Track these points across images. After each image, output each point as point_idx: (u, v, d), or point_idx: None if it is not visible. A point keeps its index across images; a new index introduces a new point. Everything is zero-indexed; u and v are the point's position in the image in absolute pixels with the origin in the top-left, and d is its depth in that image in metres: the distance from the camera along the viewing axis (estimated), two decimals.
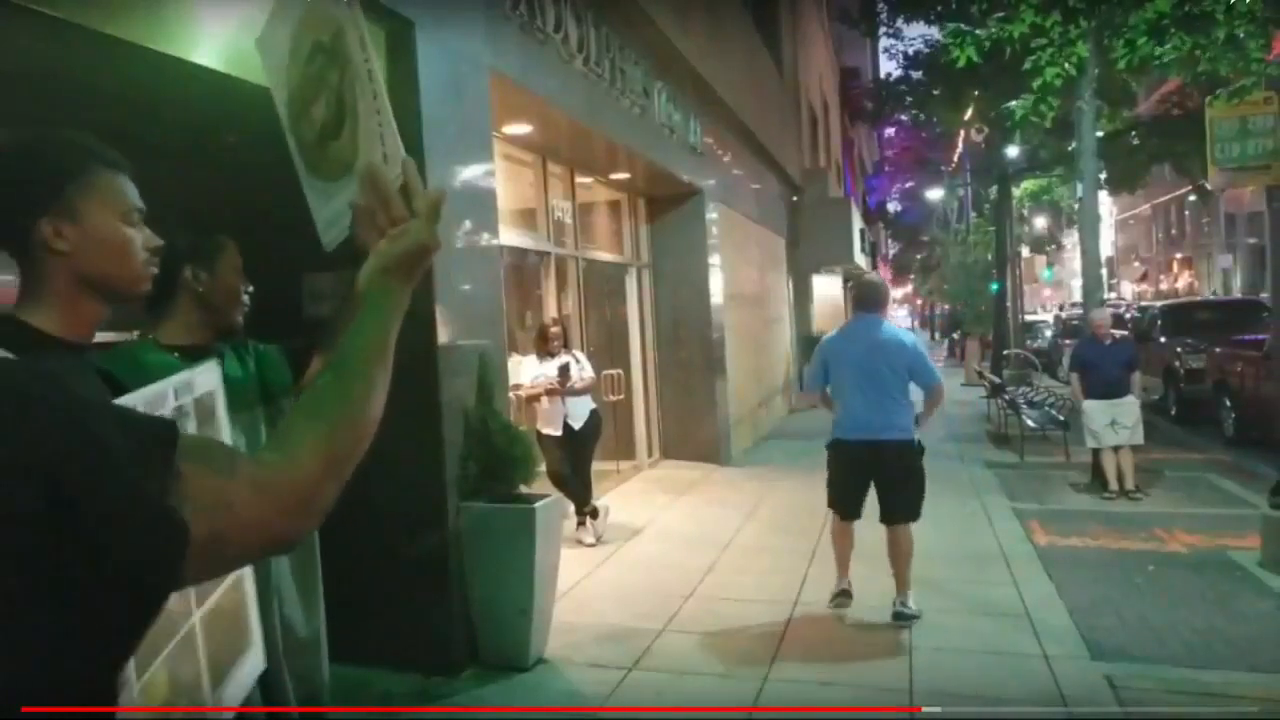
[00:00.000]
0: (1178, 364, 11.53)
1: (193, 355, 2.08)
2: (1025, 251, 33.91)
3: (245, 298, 2.34)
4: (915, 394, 4.67)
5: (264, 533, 0.77)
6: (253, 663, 1.60)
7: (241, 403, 2.18)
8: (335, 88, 1.11)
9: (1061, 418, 9.46)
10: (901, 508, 4.53)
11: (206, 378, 1.55)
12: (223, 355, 2.21)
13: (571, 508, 6.10)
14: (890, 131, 36.19)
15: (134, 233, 1.31)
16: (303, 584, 2.43)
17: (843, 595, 4.73)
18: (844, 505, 4.73)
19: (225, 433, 1.58)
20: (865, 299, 4.78)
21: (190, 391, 1.44)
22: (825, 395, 4.81)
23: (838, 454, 4.71)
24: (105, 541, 0.61)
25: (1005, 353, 17.33)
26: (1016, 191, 23.75)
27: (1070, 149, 12.76)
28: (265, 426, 2.31)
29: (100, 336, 1.45)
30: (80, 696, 0.62)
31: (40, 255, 1.26)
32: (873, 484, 4.66)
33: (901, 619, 4.46)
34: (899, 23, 16.86)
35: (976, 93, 15.47)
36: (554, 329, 6.17)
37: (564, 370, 5.91)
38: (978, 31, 10.08)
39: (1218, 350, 10.47)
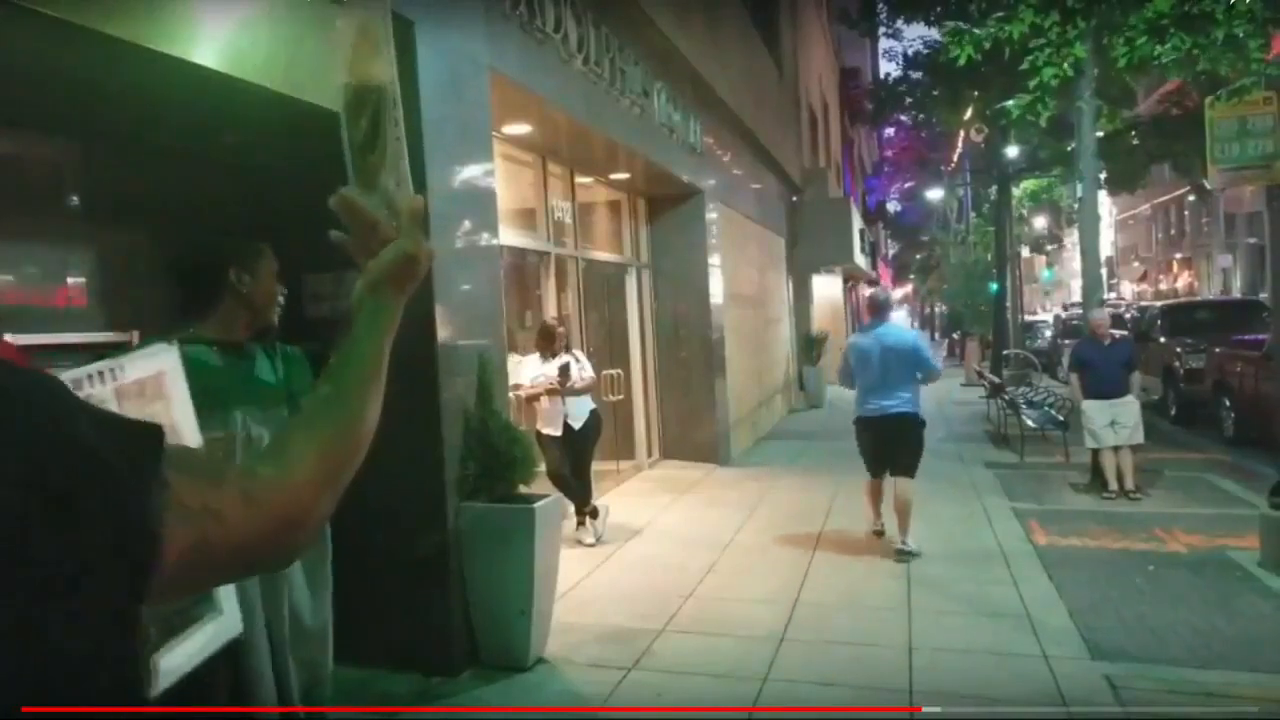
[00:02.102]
0: (1177, 364, 11.51)
1: (226, 349, 2.32)
2: (1025, 251, 33.92)
3: (280, 299, 2.51)
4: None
5: (253, 545, 0.75)
6: (218, 629, 1.65)
7: (270, 403, 2.36)
8: (374, 105, 1.12)
9: (1061, 418, 9.44)
10: (904, 464, 5.80)
11: (149, 362, 1.52)
12: (254, 354, 2.39)
13: (571, 508, 6.10)
14: (890, 132, 36.21)
15: None
16: (312, 575, 2.50)
17: (877, 534, 6.04)
18: (872, 465, 6.03)
19: (184, 419, 1.57)
20: (878, 308, 6.24)
21: (119, 375, 1.42)
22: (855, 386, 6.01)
23: (861, 427, 5.97)
24: (75, 542, 0.60)
25: (1005, 353, 17.33)
26: (1016, 191, 23.74)
27: (1070, 149, 12.72)
28: None
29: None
30: (74, 698, 0.61)
31: None
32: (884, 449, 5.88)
33: (903, 555, 5.57)
34: (899, 23, 16.83)
35: (976, 93, 15.45)
36: (559, 329, 6.17)
37: (564, 370, 5.90)
38: (976, 31, 10.05)
39: (1217, 350, 10.46)
